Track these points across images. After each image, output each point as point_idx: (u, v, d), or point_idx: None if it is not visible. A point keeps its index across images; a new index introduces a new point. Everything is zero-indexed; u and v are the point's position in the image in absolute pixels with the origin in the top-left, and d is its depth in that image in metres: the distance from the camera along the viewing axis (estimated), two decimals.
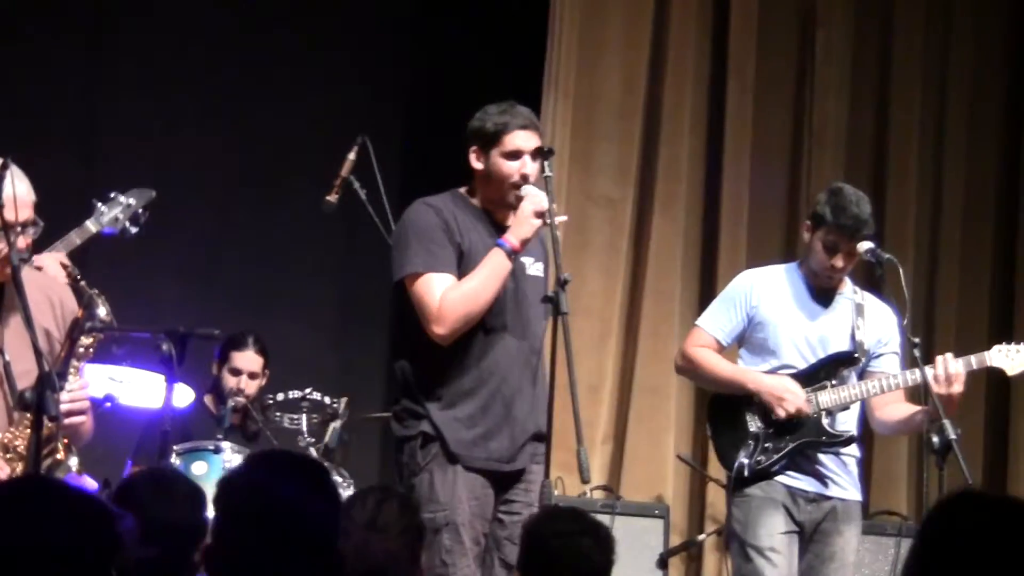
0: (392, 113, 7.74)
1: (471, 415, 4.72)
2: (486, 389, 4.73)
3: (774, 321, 5.37)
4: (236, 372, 6.50)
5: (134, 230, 4.51)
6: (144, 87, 7.30)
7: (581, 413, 4.53)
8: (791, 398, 5.25)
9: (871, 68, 7.85)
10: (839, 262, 5.29)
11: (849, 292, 5.46)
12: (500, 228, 4.76)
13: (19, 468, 4.04)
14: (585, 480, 4.54)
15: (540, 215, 4.63)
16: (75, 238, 4.89)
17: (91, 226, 4.98)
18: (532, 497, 4.76)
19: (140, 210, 4.84)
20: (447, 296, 4.62)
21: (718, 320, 5.45)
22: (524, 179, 4.72)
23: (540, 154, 4.75)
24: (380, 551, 3.57)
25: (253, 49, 7.46)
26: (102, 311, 4.19)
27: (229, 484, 2.84)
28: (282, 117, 7.46)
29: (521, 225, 4.65)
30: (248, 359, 6.48)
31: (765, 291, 5.41)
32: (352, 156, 5.81)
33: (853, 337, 5.38)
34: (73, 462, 4.07)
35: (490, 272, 4.64)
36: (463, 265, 4.71)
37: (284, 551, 2.66)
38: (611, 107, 7.54)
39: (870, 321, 5.42)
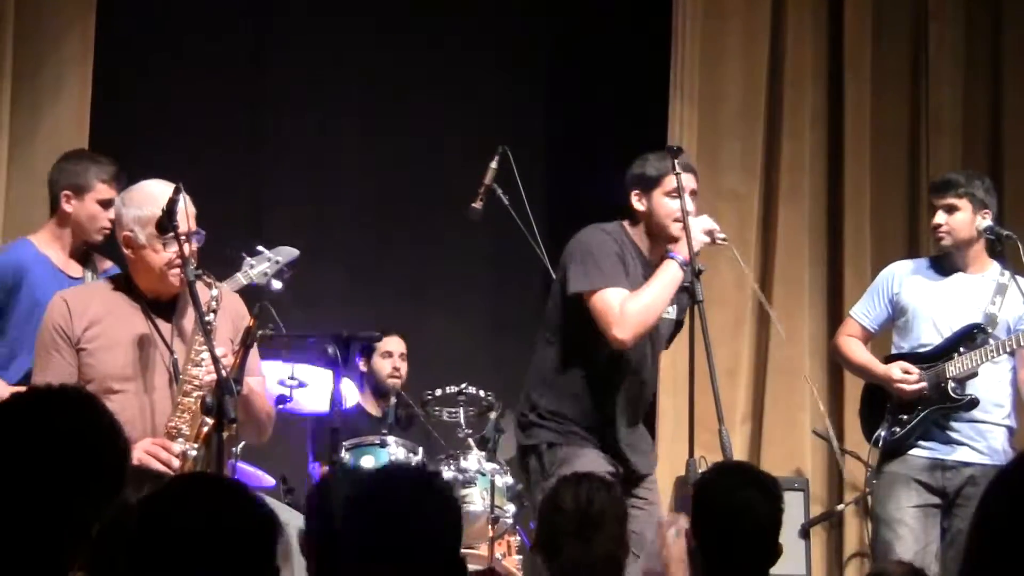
0: (532, 122, 7.79)
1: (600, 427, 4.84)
2: (598, 414, 4.83)
3: (913, 305, 5.50)
4: (388, 355, 6.62)
5: (278, 286, 4.55)
6: (302, 108, 7.43)
7: (720, 395, 4.56)
8: (899, 384, 5.39)
9: (984, 56, 7.73)
10: (940, 219, 5.44)
11: (994, 274, 5.51)
12: (650, 266, 4.84)
13: (185, 447, 4.18)
14: (727, 457, 4.54)
15: (708, 233, 4.71)
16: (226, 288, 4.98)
17: (241, 279, 5.07)
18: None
19: (285, 267, 4.88)
20: (626, 305, 4.67)
21: (864, 308, 5.64)
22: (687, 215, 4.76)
23: (671, 153, 4.77)
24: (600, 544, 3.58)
25: (400, 67, 7.56)
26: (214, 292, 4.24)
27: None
28: (432, 133, 7.55)
29: (690, 240, 4.70)
30: (394, 342, 6.64)
31: (906, 278, 5.56)
32: (494, 165, 5.84)
33: (985, 311, 5.38)
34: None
35: (664, 282, 4.71)
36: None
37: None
38: (734, 107, 7.50)
39: (1011, 300, 5.45)
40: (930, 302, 5.47)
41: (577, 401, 4.82)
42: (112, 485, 2.25)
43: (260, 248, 5.09)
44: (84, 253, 4.96)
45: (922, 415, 5.36)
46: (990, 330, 5.38)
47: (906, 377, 5.38)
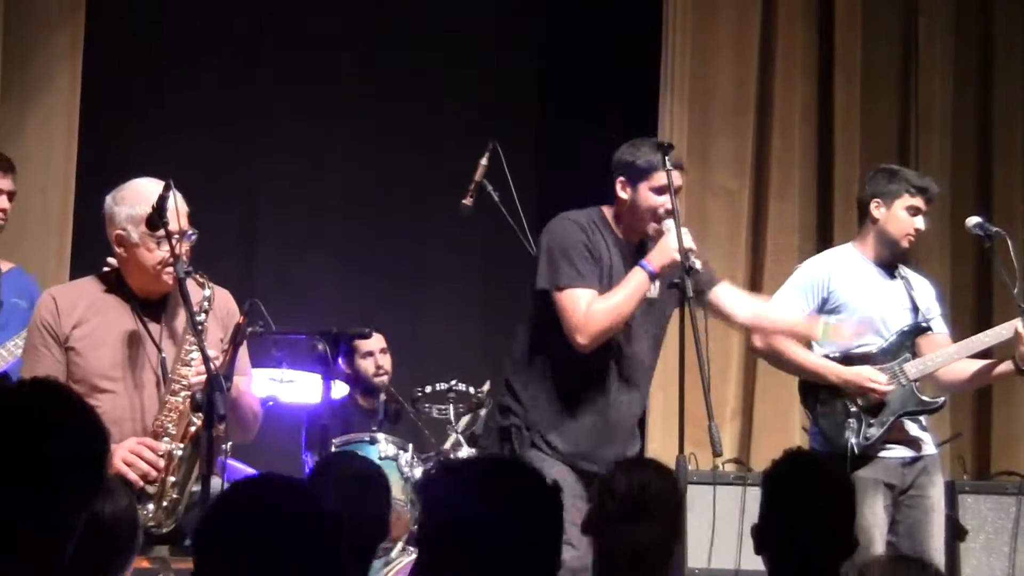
0: (523, 118, 7.77)
1: (565, 423, 4.76)
2: (583, 405, 4.77)
3: (851, 302, 5.32)
4: (369, 354, 6.54)
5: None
6: (295, 102, 7.39)
7: (711, 391, 4.52)
8: (874, 386, 5.22)
9: (973, 51, 7.71)
10: (922, 224, 5.33)
11: (900, 269, 5.42)
12: (634, 251, 4.79)
13: (171, 447, 4.18)
14: (717, 453, 4.52)
15: (683, 252, 4.60)
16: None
17: None
18: None
19: None
20: (591, 309, 4.65)
21: (795, 306, 5.36)
22: (668, 213, 4.70)
23: (661, 148, 4.72)
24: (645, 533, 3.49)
25: (392, 63, 7.54)
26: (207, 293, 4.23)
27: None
28: (423, 129, 7.52)
29: (663, 254, 4.65)
30: (372, 340, 6.52)
31: (840, 274, 5.37)
32: (484, 161, 5.80)
33: (916, 308, 5.32)
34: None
35: (631, 290, 4.67)
36: (603, 283, 4.74)
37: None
38: (725, 103, 7.50)
39: (920, 291, 5.40)
40: (866, 300, 5.31)
41: (549, 386, 4.78)
42: (93, 477, 2.21)
43: None
44: None
45: (894, 418, 5.25)
46: (929, 328, 5.33)
47: (880, 380, 5.22)
